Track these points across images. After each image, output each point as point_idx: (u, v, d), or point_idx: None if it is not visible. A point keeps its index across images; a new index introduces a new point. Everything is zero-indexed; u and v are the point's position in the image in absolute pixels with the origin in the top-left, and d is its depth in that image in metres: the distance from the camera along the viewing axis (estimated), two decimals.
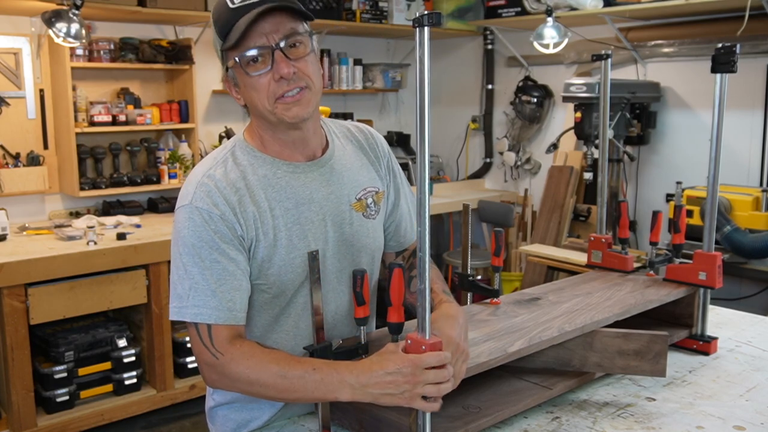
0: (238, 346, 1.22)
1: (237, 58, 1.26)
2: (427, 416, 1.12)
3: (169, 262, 3.58)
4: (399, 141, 5.21)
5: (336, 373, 1.15)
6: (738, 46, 1.59)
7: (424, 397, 1.10)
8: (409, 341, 1.12)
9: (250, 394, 1.24)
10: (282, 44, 1.25)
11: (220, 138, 4.21)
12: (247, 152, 1.35)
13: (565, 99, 3.80)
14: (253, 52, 1.25)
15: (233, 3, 1.25)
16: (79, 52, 3.64)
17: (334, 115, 4.52)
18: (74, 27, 3.25)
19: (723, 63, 1.60)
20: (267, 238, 1.30)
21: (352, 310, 1.40)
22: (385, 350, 1.14)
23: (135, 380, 3.42)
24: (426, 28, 1.01)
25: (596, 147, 3.20)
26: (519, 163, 4.87)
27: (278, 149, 1.36)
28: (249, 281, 1.30)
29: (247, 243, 1.29)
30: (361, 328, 1.25)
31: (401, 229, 1.55)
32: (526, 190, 4.91)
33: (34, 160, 3.63)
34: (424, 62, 1.02)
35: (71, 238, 3.28)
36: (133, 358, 3.40)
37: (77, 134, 3.61)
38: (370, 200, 1.44)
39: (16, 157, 3.61)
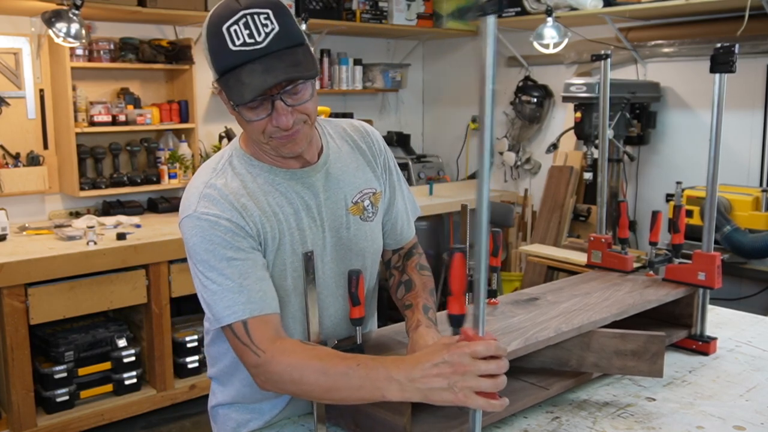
0: (279, 344, 1.19)
1: (234, 105, 1.21)
2: (478, 420, 1.02)
3: (169, 262, 3.59)
4: (399, 141, 5.21)
5: (382, 368, 1.07)
6: (737, 46, 1.59)
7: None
8: (461, 335, 1.04)
9: (297, 395, 1.21)
10: (284, 93, 1.20)
11: (220, 138, 4.22)
12: (244, 161, 1.34)
13: (565, 99, 3.79)
14: (252, 104, 1.20)
15: (234, 44, 1.17)
16: (79, 52, 3.64)
17: (334, 115, 4.52)
18: (74, 27, 3.25)
19: (722, 63, 1.59)
20: (274, 242, 1.30)
21: (338, 308, 1.40)
22: (437, 342, 1.08)
23: (135, 380, 3.42)
24: (492, 17, 0.91)
25: (596, 147, 3.20)
26: (519, 163, 4.87)
27: (272, 160, 1.34)
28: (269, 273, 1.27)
29: (257, 242, 1.28)
30: (357, 328, 1.25)
31: (398, 227, 1.54)
32: (526, 190, 4.91)
33: (34, 160, 3.64)
34: (488, 55, 0.93)
35: (71, 238, 3.28)
36: (133, 358, 3.40)
37: (77, 134, 3.61)
38: (367, 202, 1.43)
39: (16, 157, 3.61)
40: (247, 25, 1.17)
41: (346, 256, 1.40)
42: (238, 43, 1.17)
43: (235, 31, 1.17)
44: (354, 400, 1.12)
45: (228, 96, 1.21)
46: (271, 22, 1.18)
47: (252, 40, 1.17)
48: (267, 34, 1.17)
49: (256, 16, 1.17)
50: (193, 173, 4.01)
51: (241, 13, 1.17)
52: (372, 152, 1.49)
